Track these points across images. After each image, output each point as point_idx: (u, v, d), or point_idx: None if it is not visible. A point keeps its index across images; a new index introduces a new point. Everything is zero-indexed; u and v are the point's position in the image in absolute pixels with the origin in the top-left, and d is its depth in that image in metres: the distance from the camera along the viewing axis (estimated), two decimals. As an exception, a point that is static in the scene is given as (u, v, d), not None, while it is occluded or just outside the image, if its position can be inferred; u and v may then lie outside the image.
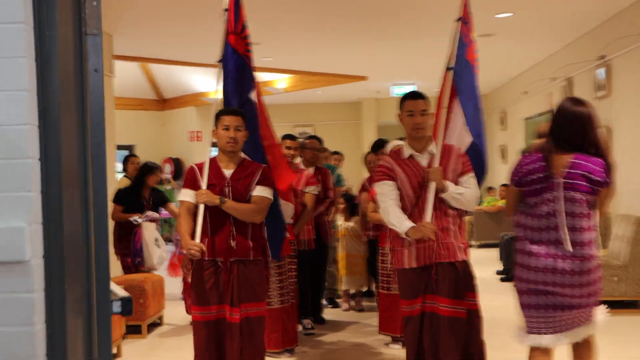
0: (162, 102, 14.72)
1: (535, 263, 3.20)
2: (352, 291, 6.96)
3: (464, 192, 3.65)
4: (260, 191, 3.83)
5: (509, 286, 7.51)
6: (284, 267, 5.14)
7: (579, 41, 8.35)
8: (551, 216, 3.19)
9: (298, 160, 6.22)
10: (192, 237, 3.71)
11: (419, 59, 10.08)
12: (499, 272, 8.67)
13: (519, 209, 3.35)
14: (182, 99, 14.29)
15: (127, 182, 8.13)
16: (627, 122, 6.98)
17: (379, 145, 5.99)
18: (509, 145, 12.48)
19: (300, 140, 6.37)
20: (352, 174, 9.86)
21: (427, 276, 3.64)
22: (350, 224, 6.92)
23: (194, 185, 3.86)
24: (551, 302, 3.20)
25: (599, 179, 3.15)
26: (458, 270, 3.63)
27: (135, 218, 6.19)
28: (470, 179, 3.74)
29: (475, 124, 4.23)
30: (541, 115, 10.12)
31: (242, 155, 3.98)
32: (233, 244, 3.78)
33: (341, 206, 6.97)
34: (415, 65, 10.63)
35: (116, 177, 8.76)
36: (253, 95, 4.30)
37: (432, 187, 3.61)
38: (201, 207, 3.76)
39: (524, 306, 3.30)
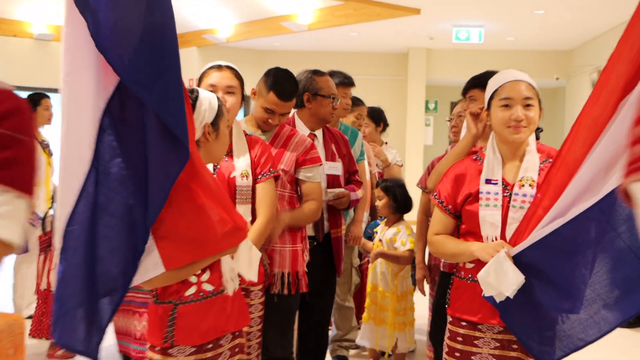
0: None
1: None
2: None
3: None
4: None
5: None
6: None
7: None
8: None
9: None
10: None
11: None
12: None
13: None
14: (182, 38, 11.33)
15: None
16: None
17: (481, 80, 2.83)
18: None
19: (301, 76, 3.30)
20: (395, 146, 6.81)
21: None
22: (392, 230, 3.85)
23: None
24: None
25: None
26: None
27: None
28: None
29: None
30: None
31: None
32: None
33: (381, 201, 3.85)
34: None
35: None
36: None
37: None
38: None
39: None
